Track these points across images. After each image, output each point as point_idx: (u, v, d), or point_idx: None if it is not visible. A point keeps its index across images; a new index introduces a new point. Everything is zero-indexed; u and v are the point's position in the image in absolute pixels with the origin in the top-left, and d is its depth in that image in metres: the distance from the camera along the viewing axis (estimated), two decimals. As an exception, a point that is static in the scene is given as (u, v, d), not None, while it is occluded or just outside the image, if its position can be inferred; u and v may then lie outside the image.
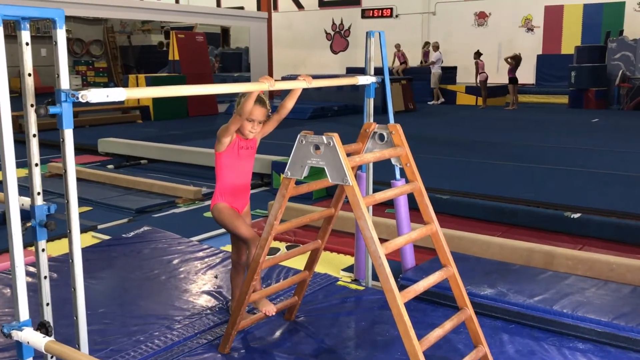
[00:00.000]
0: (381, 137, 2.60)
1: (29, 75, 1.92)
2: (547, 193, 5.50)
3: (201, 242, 4.46)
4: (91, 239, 4.70)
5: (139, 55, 25.15)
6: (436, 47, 16.84)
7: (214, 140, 2.99)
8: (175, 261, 3.93)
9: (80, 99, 1.84)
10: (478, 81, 15.72)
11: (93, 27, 25.06)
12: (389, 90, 3.44)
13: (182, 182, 6.46)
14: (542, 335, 2.88)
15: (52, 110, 1.81)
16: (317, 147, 2.31)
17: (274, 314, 2.92)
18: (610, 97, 15.19)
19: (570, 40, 17.26)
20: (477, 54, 15.67)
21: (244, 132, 2.89)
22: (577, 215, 4.60)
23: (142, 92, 2.21)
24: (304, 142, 2.35)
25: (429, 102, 16.98)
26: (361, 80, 3.20)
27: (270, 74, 17.10)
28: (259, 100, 2.87)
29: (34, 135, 1.95)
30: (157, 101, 12.85)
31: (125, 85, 14.20)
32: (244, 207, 3.02)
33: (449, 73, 17.59)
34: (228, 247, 4.37)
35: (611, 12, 17.13)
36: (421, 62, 18.23)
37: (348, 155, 2.38)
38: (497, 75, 17.92)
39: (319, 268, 3.58)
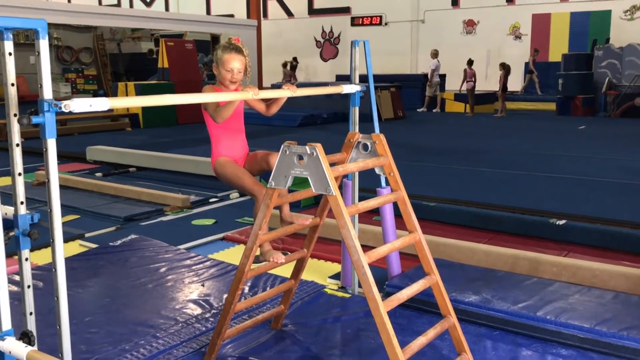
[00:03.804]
0: (365, 146, 2.63)
1: (12, 85, 1.93)
2: (533, 200, 5.55)
3: (189, 250, 4.46)
4: (78, 247, 4.68)
5: (129, 63, 25.14)
6: (434, 55, 16.78)
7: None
8: (163, 269, 3.93)
9: (63, 109, 1.85)
10: (465, 89, 15.81)
11: (83, 35, 25.02)
12: (373, 99, 3.47)
13: (171, 190, 6.45)
14: (526, 342, 2.91)
15: (35, 120, 1.82)
16: (300, 158, 2.33)
17: (283, 261, 2.87)
18: (597, 105, 15.35)
19: (558, 48, 17.45)
20: (469, 62, 15.75)
21: (225, 83, 2.89)
22: (562, 222, 4.64)
23: (125, 102, 2.23)
24: (287, 152, 2.37)
25: (418, 110, 17.08)
26: (346, 88, 3.22)
27: (260, 81, 17.15)
28: (235, 49, 2.86)
29: (17, 145, 1.96)
30: (146, 109, 12.85)
31: (114, 92, 14.17)
32: (244, 153, 3.03)
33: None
34: (216, 255, 4.38)
35: (598, 20, 17.33)
36: (530, 72, 17.52)
37: (332, 165, 2.40)
38: (486, 83, 18.06)
39: (305, 275, 3.59)
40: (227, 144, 2.99)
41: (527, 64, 18.42)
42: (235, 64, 2.86)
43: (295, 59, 21.47)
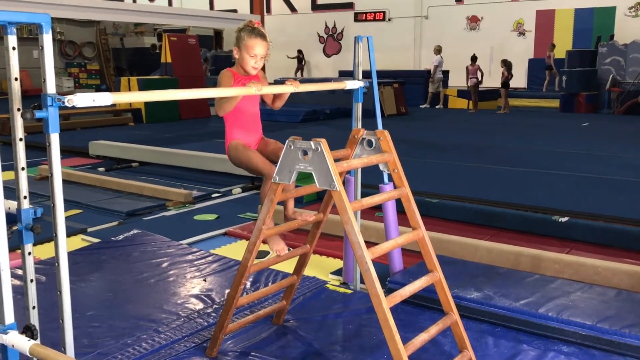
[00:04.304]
0: (369, 143, 2.63)
1: (16, 79, 1.93)
2: (535, 197, 5.54)
3: (191, 245, 4.46)
4: (81, 241, 4.69)
5: (132, 58, 25.13)
6: (437, 51, 16.70)
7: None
8: (165, 264, 3.94)
9: (67, 104, 1.85)
10: (468, 86, 15.79)
11: (86, 29, 25.01)
12: (377, 94, 3.46)
13: (173, 185, 6.46)
14: (527, 339, 2.91)
15: (38, 114, 1.82)
16: (305, 153, 2.33)
17: (286, 252, 2.87)
18: (601, 102, 15.31)
19: (562, 45, 17.39)
20: (472, 58, 15.70)
21: (247, 68, 2.84)
22: (564, 219, 4.64)
23: (128, 97, 2.23)
24: (292, 147, 2.37)
25: (421, 106, 17.06)
26: (349, 84, 3.21)
27: (263, 77, 17.09)
28: (260, 34, 2.82)
29: (21, 139, 1.96)
30: (149, 104, 12.85)
31: (117, 87, 14.17)
32: (258, 139, 3.02)
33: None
34: (218, 250, 4.39)
35: (602, 17, 17.27)
36: (549, 68, 17.16)
37: (336, 160, 2.40)
38: (489, 79, 18.02)
39: (307, 271, 3.59)
40: (241, 129, 2.97)
41: (530, 60, 18.36)
42: (259, 49, 2.82)
43: (300, 51, 21.58)
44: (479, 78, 15.45)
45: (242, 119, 2.96)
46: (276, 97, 3.03)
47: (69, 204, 5.60)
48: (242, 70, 2.87)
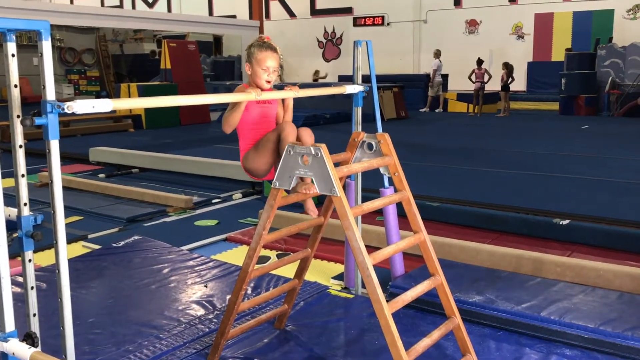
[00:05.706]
0: (370, 146, 2.62)
1: (15, 86, 1.93)
2: (537, 200, 5.53)
3: (192, 251, 4.45)
4: (81, 248, 4.69)
5: (131, 64, 25.14)
6: (437, 55, 16.70)
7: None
8: (166, 270, 3.93)
9: (66, 110, 1.85)
10: (473, 89, 15.77)
11: (85, 36, 25.03)
12: (376, 98, 3.46)
13: (174, 191, 6.45)
14: (530, 342, 2.90)
15: (38, 121, 1.82)
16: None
17: (316, 215, 2.84)
18: (601, 104, 15.30)
19: (561, 48, 17.38)
20: (478, 62, 15.65)
21: (260, 83, 2.76)
22: (565, 222, 4.63)
23: (128, 103, 2.22)
24: (292, 152, 2.37)
25: (420, 110, 17.06)
26: (349, 89, 3.21)
27: (263, 82, 17.08)
28: (270, 47, 2.77)
29: (20, 146, 1.96)
30: (149, 110, 12.84)
31: (117, 93, 14.17)
32: None
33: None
34: (218, 256, 4.38)
35: (600, 20, 17.27)
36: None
37: (336, 165, 2.40)
38: (489, 83, 18.01)
39: (309, 276, 3.59)
40: (258, 140, 2.90)
41: (529, 63, 18.36)
42: (271, 62, 2.76)
43: None
44: (485, 82, 15.43)
45: (258, 129, 2.86)
46: (284, 110, 2.98)
47: (69, 210, 5.59)
48: (257, 86, 2.82)
